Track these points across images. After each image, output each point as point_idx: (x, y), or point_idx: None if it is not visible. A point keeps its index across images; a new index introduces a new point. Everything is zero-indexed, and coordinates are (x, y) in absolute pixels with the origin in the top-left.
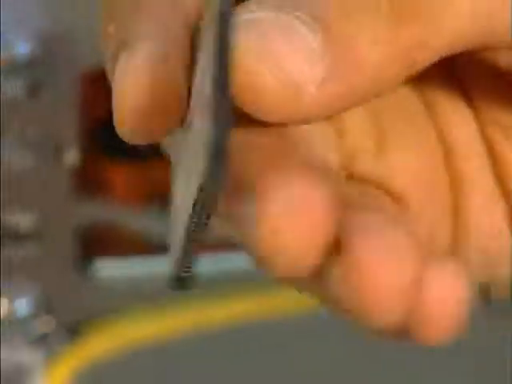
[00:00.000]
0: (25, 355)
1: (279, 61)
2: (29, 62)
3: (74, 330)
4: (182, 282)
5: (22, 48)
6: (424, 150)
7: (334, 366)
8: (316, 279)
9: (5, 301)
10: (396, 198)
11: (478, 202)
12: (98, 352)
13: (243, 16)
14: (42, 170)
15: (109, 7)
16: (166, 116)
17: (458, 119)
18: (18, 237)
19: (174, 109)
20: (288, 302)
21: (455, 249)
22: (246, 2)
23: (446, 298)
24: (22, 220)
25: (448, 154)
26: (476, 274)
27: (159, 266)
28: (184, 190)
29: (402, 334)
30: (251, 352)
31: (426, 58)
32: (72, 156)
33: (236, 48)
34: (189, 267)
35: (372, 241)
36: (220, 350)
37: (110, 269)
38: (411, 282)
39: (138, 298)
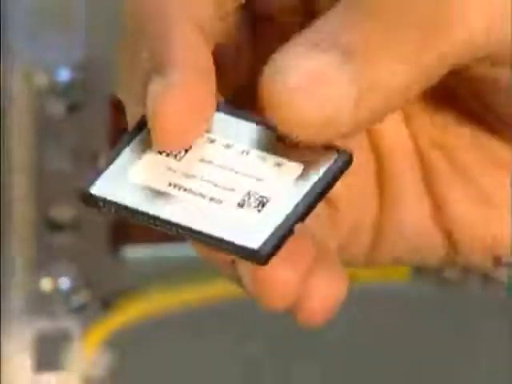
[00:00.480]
0: (66, 323)
1: (325, 93)
2: (69, 86)
3: (107, 303)
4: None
5: (63, 75)
6: (357, 158)
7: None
8: (231, 268)
9: (49, 279)
10: (327, 201)
11: (407, 201)
12: (126, 320)
13: (292, 62)
14: (80, 172)
15: (140, 36)
16: (198, 128)
17: (391, 128)
18: (60, 226)
19: (202, 121)
20: None
21: (381, 239)
22: (290, 42)
23: (326, 297)
24: (64, 212)
25: (380, 159)
26: (405, 259)
27: (178, 251)
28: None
29: (292, 313)
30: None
31: (443, 71)
32: (104, 160)
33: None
34: (279, 246)
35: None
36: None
37: (136, 252)
38: (298, 284)
39: (158, 276)
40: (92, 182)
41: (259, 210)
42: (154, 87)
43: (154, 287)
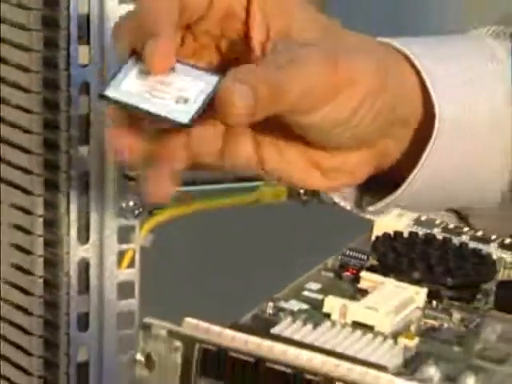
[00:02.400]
0: (132, 221)
1: (245, 97)
2: None
3: (151, 211)
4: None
5: None
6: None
7: None
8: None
9: (125, 202)
10: None
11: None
12: (161, 220)
13: (231, 82)
14: None
15: (142, 19)
16: (168, 64)
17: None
18: (131, 178)
19: (170, 60)
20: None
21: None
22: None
23: (159, 190)
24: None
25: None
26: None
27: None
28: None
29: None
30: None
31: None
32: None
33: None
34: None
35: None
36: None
37: None
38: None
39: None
40: (105, 87)
41: (185, 104)
42: (149, 43)
43: (173, 204)
